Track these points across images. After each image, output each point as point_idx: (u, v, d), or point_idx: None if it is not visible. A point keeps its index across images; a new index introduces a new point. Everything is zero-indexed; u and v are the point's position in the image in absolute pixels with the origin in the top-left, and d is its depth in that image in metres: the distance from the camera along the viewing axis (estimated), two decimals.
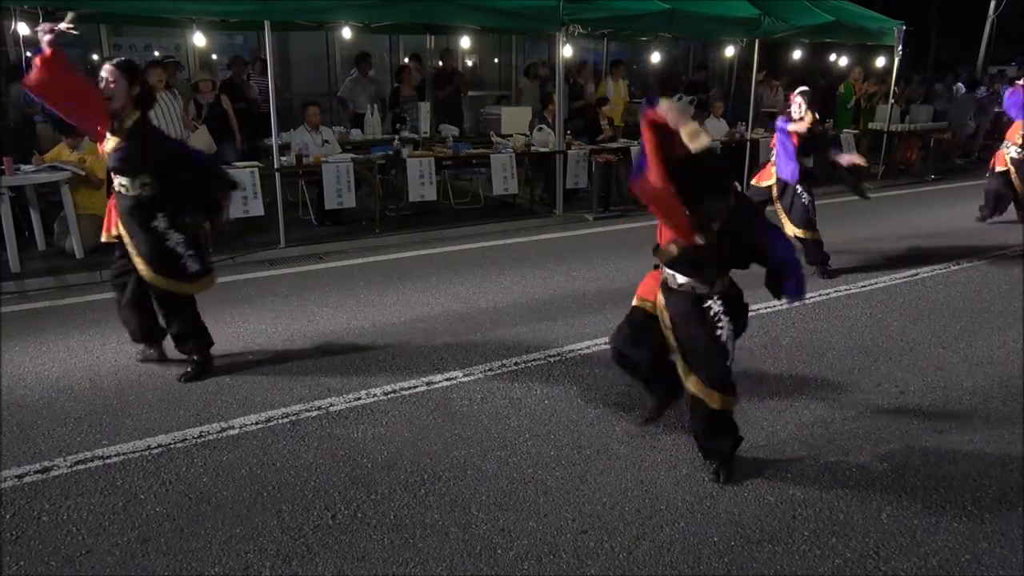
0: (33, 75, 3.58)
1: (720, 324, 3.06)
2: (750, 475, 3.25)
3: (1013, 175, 7.82)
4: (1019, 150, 7.75)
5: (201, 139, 7.51)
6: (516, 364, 4.40)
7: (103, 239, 4.24)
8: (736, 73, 13.19)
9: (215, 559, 2.69)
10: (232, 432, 3.60)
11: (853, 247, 7.20)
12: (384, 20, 8.13)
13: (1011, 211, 8.18)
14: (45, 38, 3.53)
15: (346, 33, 9.53)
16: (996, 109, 13.91)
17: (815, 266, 6.15)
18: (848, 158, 6.07)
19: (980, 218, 8.31)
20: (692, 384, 3.14)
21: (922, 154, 12.21)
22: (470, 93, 11.56)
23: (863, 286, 5.95)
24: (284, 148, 7.35)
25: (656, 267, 3.29)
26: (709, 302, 3.07)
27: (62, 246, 6.50)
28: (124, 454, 3.39)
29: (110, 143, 3.91)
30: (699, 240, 2.94)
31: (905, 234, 7.56)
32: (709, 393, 3.09)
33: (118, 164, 3.92)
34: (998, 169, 7.97)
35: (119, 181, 4.00)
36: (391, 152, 7.86)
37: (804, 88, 6.12)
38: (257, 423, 3.67)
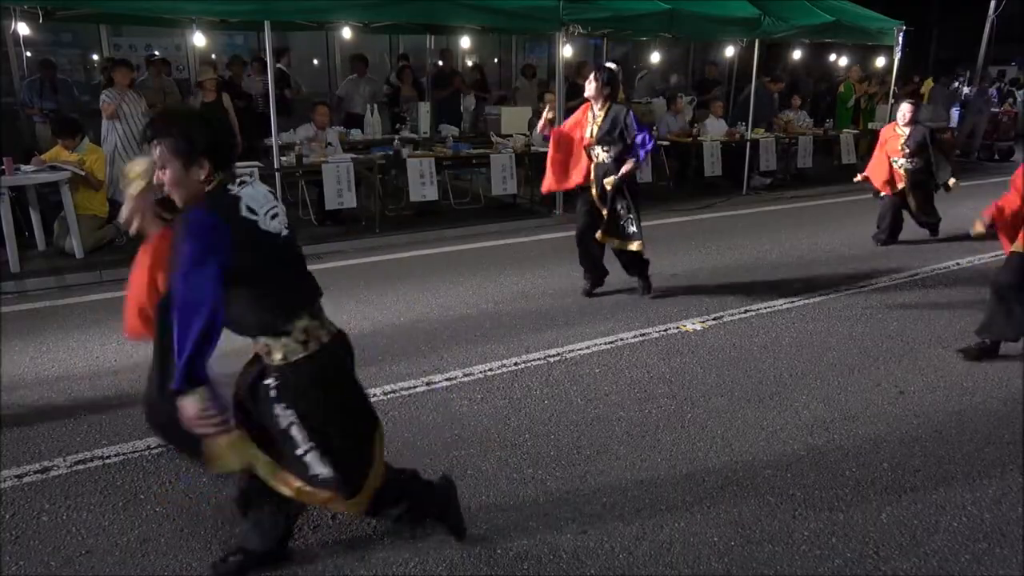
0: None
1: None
2: (750, 475, 3.25)
3: None
4: None
5: None
6: (516, 364, 4.40)
7: None
8: (737, 73, 13.18)
9: (215, 559, 2.68)
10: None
11: (854, 247, 7.21)
12: (384, 20, 8.13)
13: None
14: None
15: (346, 33, 9.53)
16: (993, 109, 14.04)
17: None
18: None
19: None
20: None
21: None
22: (473, 93, 11.52)
23: (862, 286, 5.95)
24: (284, 148, 7.34)
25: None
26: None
27: (62, 246, 6.49)
28: (124, 454, 3.39)
29: None
30: None
31: (905, 234, 7.53)
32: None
33: None
34: None
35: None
36: (391, 152, 7.86)
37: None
38: None
